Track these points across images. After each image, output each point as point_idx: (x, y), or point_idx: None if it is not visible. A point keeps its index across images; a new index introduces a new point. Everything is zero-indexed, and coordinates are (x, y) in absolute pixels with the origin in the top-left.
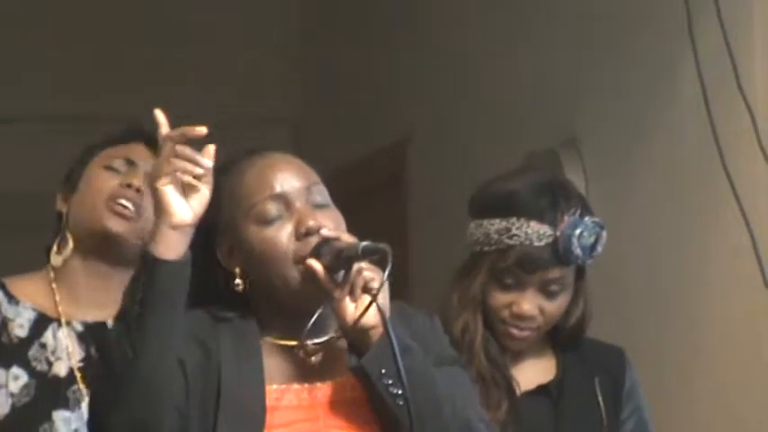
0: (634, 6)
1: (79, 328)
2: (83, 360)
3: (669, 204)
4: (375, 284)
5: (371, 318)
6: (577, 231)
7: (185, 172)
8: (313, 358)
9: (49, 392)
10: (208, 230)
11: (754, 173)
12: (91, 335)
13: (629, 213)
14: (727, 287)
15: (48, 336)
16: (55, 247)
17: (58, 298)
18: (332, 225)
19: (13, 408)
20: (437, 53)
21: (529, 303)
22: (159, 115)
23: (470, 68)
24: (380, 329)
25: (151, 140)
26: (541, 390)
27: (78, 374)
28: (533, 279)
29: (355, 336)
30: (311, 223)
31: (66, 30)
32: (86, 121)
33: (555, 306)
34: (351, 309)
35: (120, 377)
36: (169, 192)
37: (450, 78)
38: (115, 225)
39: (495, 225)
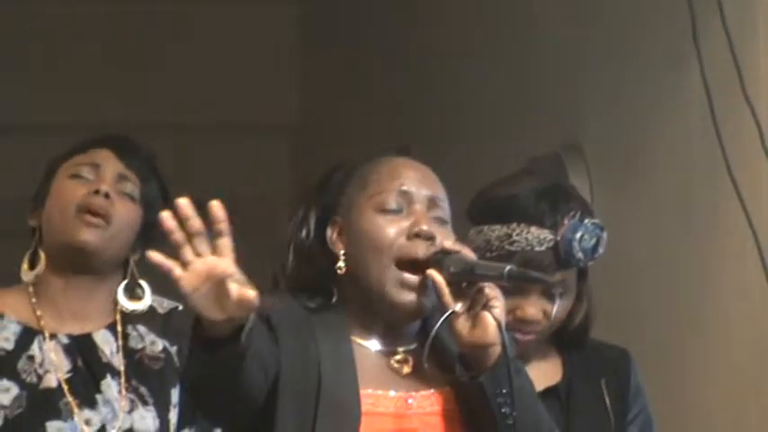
0: (638, 12)
1: (65, 340)
2: (69, 371)
3: (674, 208)
4: (497, 303)
5: (491, 335)
6: (578, 234)
7: None
8: (406, 368)
9: (41, 404)
10: (326, 208)
11: (760, 178)
12: (77, 347)
13: (634, 216)
14: (732, 290)
15: (35, 348)
16: (25, 264)
17: (39, 313)
18: (449, 242)
19: (6, 419)
20: (438, 58)
21: (533, 308)
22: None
23: (471, 73)
24: (498, 347)
25: (116, 145)
26: (550, 391)
27: (66, 386)
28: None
29: (472, 351)
30: (425, 228)
31: (60, 39)
32: (82, 130)
33: (559, 309)
34: (467, 324)
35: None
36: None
37: (450, 84)
38: (86, 235)
39: (495, 231)
